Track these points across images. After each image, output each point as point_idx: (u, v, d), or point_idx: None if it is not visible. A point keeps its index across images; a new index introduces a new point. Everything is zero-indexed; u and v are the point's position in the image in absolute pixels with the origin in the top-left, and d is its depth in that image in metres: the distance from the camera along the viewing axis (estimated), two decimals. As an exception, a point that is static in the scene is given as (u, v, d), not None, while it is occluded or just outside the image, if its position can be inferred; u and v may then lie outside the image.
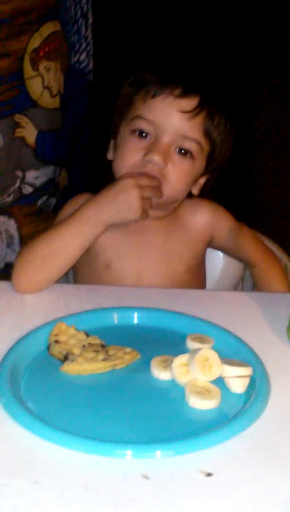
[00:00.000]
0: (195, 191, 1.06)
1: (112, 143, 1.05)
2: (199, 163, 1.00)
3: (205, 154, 1.00)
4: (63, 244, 0.94)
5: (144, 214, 0.96)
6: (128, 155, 0.98)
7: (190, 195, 1.06)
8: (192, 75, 1.00)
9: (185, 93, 0.95)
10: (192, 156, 0.98)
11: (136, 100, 0.99)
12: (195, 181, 1.04)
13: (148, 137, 0.97)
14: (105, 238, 1.00)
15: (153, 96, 0.96)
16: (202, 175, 1.04)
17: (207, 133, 0.98)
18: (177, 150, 0.97)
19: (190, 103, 0.96)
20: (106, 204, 0.95)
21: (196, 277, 1.09)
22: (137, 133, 0.97)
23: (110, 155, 1.05)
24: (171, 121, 0.95)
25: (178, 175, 0.97)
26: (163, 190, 0.97)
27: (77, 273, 1.09)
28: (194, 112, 0.95)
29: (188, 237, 1.08)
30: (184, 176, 0.99)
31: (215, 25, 1.47)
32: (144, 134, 0.97)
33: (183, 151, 0.97)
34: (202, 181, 1.05)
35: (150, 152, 0.95)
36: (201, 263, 1.11)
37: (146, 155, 0.96)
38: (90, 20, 1.44)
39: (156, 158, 0.95)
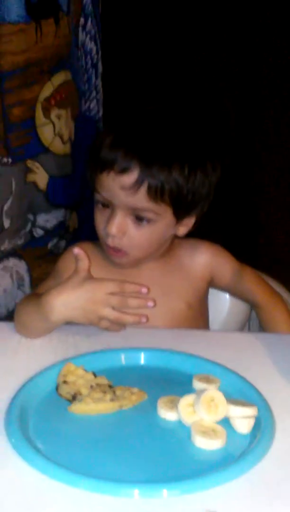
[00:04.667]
0: (181, 233, 1.04)
1: None
2: (163, 221, 0.98)
3: (167, 211, 0.97)
4: (30, 322, 0.95)
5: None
6: (97, 224, 1.01)
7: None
8: (129, 148, 0.94)
9: (123, 170, 0.94)
10: (149, 221, 0.97)
11: (93, 171, 0.99)
12: (166, 235, 1.02)
13: (109, 207, 0.98)
14: None
15: (101, 172, 0.96)
16: (183, 218, 1.01)
17: (158, 197, 0.95)
18: (134, 218, 0.97)
19: (130, 178, 0.93)
20: (68, 306, 0.91)
21: (198, 314, 1.10)
22: (100, 204, 0.99)
23: None
24: (117, 197, 0.96)
25: (138, 241, 0.98)
26: (128, 255, 0.99)
27: None
28: (134, 188, 0.94)
29: (187, 275, 1.09)
30: (145, 240, 0.99)
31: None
32: (105, 205, 0.98)
33: (139, 218, 0.97)
34: (188, 222, 1.03)
35: (107, 226, 0.97)
36: (202, 300, 1.12)
37: (105, 227, 0.98)
38: (100, 70, 1.50)
39: (112, 231, 0.97)
